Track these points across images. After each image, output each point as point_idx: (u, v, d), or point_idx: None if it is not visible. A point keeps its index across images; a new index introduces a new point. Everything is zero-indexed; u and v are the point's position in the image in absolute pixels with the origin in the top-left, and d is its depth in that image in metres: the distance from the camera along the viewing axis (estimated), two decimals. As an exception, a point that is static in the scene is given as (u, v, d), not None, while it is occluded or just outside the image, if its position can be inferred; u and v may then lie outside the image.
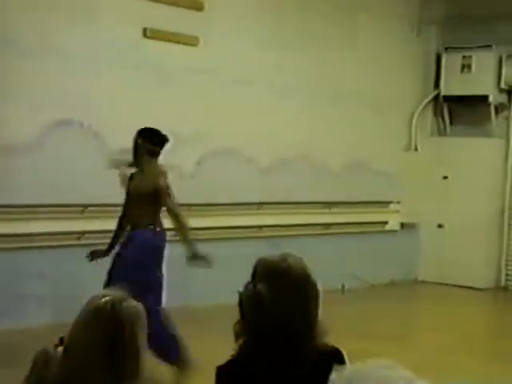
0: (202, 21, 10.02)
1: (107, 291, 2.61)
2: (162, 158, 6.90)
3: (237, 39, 10.45)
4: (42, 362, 2.56)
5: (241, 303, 2.71)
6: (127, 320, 2.50)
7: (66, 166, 8.88)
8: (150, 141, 6.82)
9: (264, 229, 10.67)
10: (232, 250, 9.92)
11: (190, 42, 9.94)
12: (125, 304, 2.52)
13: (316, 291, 2.74)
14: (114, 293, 2.57)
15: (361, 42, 12.00)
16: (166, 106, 9.74)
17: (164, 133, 6.85)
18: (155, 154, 6.82)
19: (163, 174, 6.78)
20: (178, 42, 9.80)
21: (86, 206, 9.00)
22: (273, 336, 2.66)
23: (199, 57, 10.02)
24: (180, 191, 9.65)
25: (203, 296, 9.56)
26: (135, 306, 2.55)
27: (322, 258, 9.36)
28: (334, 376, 1.71)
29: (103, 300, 2.52)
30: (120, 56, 9.30)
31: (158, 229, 6.71)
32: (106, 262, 6.75)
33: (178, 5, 9.77)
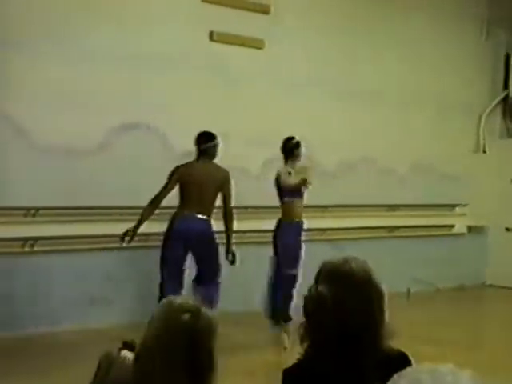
0: (267, 24, 10.05)
1: (181, 299, 2.56)
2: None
3: (302, 42, 10.45)
4: (106, 366, 2.57)
5: (305, 306, 2.73)
6: (205, 333, 2.47)
7: (132, 167, 8.98)
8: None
9: (328, 231, 10.64)
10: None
11: (256, 44, 9.97)
12: (203, 316, 2.49)
13: (379, 293, 2.73)
14: (190, 302, 2.53)
15: (429, 42, 11.90)
16: (231, 108, 9.80)
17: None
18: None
19: None
20: (243, 45, 9.85)
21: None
22: (335, 338, 2.67)
23: (265, 59, 10.05)
24: (246, 192, 9.81)
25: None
26: (211, 317, 2.52)
27: (387, 261, 9.34)
28: (397, 377, 1.71)
29: (182, 311, 2.47)
30: (187, 58, 9.38)
31: None
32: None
33: (244, 8, 9.81)
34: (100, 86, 8.77)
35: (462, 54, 12.41)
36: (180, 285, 7.72)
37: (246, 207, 9.88)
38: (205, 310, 2.53)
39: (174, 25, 9.31)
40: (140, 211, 7.81)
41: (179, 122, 9.31)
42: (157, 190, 7.77)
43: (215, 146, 8.00)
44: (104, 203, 8.75)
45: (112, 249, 8.71)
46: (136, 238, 7.85)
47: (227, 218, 8.07)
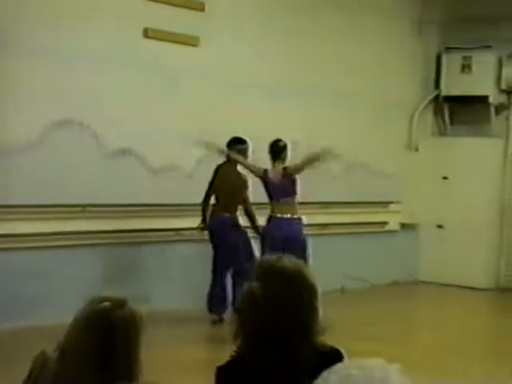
0: (202, 21, 10.02)
1: (107, 295, 2.58)
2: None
3: (237, 39, 10.43)
4: (39, 365, 2.55)
5: (239, 303, 2.77)
6: (125, 322, 2.48)
7: (64, 165, 8.88)
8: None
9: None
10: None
11: (191, 42, 9.93)
12: (125, 306, 2.51)
13: (311, 289, 2.75)
14: (113, 297, 2.55)
15: (361, 41, 11.98)
16: (166, 106, 9.75)
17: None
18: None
19: None
20: (178, 42, 9.79)
21: (85, 205, 9.01)
22: (267, 334, 2.68)
23: (200, 57, 10.00)
24: (179, 190, 9.77)
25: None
26: (136, 310, 2.53)
27: (321, 258, 9.34)
28: (326, 373, 1.70)
29: (100, 305, 2.50)
30: (120, 56, 9.29)
31: None
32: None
33: (179, 5, 9.76)
34: (32, 83, 8.63)
35: (396, 52, 12.51)
36: None
37: (179, 205, 9.84)
38: (131, 304, 2.54)
39: (108, 21, 9.21)
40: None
41: (112, 119, 9.23)
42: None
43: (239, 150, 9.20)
44: (35, 201, 8.63)
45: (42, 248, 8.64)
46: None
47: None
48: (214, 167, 9.60)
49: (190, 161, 10.07)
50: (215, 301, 9.07)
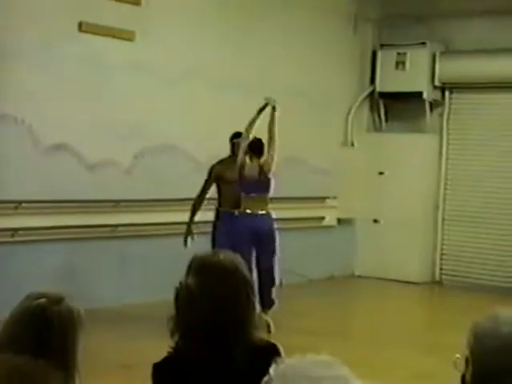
0: (138, 15, 9.91)
1: (45, 291, 2.56)
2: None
3: (173, 34, 10.35)
4: None
5: (175, 298, 2.74)
6: (57, 322, 2.46)
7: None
8: None
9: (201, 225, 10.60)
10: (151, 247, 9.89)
11: (127, 36, 9.82)
12: (58, 306, 2.49)
13: (247, 283, 2.75)
14: (50, 293, 2.53)
15: (297, 37, 11.99)
16: (102, 100, 9.63)
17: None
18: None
19: None
20: (113, 37, 9.67)
21: (19, 202, 8.86)
22: (203, 330, 2.67)
23: (136, 51, 9.90)
24: (116, 185, 9.67)
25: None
26: (74, 308, 2.52)
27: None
28: (272, 371, 1.67)
29: (36, 301, 2.49)
30: (55, 50, 9.14)
31: None
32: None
33: (114, -1, 9.65)
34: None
35: (332, 48, 12.54)
36: None
37: (116, 201, 9.76)
38: (66, 302, 2.51)
39: (43, 14, 9.05)
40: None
41: (47, 114, 9.09)
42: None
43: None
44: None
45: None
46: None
47: None
48: (152, 161, 9.56)
49: (128, 156, 9.98)
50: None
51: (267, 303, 8.86)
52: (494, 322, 2.06)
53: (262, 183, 8.99)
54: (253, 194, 8.92)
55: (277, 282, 9.06)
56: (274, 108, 9.13)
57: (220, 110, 10.80)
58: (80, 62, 9.39)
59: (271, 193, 9.09)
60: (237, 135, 9.14)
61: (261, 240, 8.85)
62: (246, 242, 8.58)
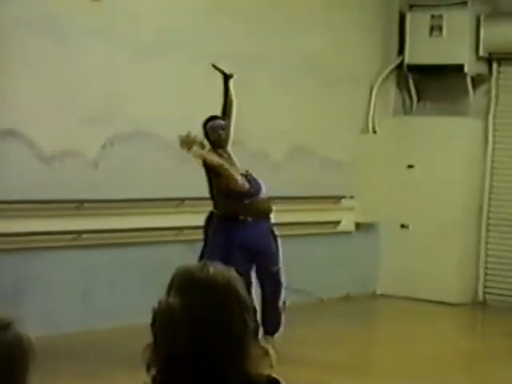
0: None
1: None
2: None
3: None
4: None
5: (153, 322, 2.72)
6: (2, 355, 2.49)
7: None
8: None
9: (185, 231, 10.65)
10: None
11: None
12: (3, 333, 2.51)
13: (243, 304, 2.74)
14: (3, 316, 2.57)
15: (308, 4, 12.01)
16: (59, 75, 9.65)
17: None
18: None
19: None
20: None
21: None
22: (188, 360, 2.66)
23: (102, 13, 9.92)
24: (80, 183, 9.71)
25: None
26: (18, 335, 2.54)
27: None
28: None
29: None
30: (8, 11, 9.19)
31: None
32: None
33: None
34: None
35: (349, 13, 12.53)
36: None
37: (80, 201, 9.79)
38: (19, 327, 2.54)
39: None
40: None
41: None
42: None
43: None
44: None
45: None
46: None
47: None
48: (124, 152, 9.61)
49: (93, 145, 10.00)
50: None
51: (271, 327, 8.92)
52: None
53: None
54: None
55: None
56: (230, 76, 9.30)
57: (205, 88, 10.82)
58: (35, 24, 9.41)
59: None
60: (212, 119, 9.16)
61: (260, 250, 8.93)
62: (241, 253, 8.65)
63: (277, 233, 9.20)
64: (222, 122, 9.08)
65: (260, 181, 9.14)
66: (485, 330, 12.28)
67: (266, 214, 9.07)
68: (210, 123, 9.04)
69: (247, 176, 9.03)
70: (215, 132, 8.99)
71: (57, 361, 7.91)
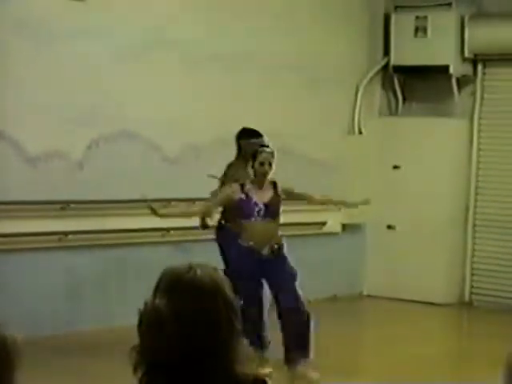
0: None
1: None
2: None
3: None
4: None
5: (139, 324, 2.72)
6: None
7: None
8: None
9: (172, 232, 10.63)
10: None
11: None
12: None
13: (230, 306, 2.75)
14: None
15: (293, 1, 12.01)
16: (42, 76, 9.64)
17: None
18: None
19: None
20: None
21: None
22: (175, 363, 2.66)
23: (88, 13, 9.90)
24: (65, 183, 9.69)
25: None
26: (3, 337, 2.55)
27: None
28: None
29: None
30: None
31: None
32: None
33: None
34: None
35: (335, 13, 12.54)
36: None
37: (66, 202, 9.77)
38: (4, 329, 2.55)
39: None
40: None
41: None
42: None
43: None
44: None
45: None
46: None
47: None
48: (109, 152, 9.59)
49: (79, 146, 9.98)
50: None
51: (301, 351, 8.67)
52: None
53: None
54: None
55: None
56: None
57: (191, 89, 10.81)
58: (15, 30, 9.38)
59: None
60: (245, 133, 9.28)
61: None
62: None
63: None
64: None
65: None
66: (471, 330, 12.29)
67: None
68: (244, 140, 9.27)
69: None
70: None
71: (42, 360, 7.88)
